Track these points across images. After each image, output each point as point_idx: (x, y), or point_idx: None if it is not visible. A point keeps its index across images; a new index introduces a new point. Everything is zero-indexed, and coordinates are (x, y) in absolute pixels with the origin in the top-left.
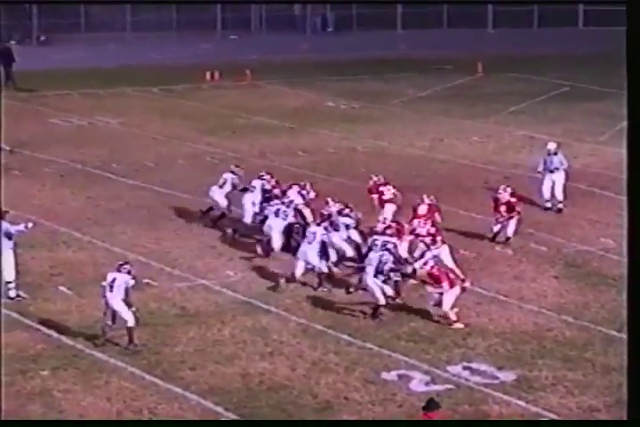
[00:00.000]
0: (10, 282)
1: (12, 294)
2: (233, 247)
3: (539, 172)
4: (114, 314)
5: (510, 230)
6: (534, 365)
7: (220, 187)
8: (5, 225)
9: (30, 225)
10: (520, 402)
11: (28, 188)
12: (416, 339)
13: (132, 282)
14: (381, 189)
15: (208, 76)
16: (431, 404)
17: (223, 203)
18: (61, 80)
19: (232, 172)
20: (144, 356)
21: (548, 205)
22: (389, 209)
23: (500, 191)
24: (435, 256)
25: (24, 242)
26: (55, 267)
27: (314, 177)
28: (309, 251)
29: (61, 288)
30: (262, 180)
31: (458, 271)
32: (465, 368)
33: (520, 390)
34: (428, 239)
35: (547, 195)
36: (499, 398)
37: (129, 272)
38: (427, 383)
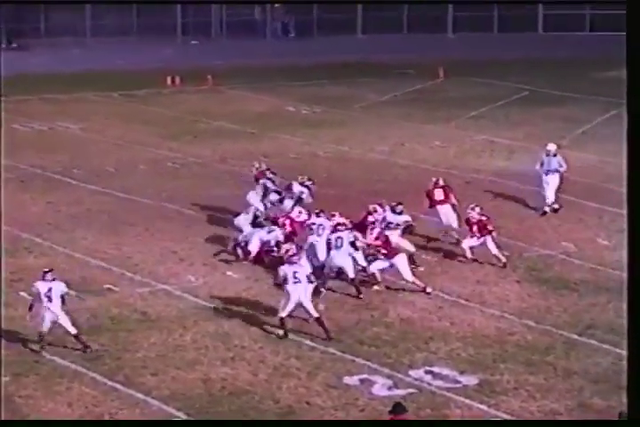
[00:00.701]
0: None
1: None
2: (194, 252)
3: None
4: (53, 323)
5: (493, 249)
6: (496, 369)
7: (258, 193)
8: None
9: None
10: (482, 406)
11: None
12: (378, 344)
13: (66, 289)
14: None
15: (169, 81)
16: (398, 408)
17: (261, 208)
18: (22, 85)
19: (267, 178)
20: (105, 361)
21: (547, 209)
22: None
23: (469, 211)
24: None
25: None
26: (16, 273)
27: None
28: (339, 256)
29: (22, 294)
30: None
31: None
32: (427, 372)
33: (482, 394)
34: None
35: (551, 198)
36: (461, 402)
37: (54, 279)
38: (389, 388)
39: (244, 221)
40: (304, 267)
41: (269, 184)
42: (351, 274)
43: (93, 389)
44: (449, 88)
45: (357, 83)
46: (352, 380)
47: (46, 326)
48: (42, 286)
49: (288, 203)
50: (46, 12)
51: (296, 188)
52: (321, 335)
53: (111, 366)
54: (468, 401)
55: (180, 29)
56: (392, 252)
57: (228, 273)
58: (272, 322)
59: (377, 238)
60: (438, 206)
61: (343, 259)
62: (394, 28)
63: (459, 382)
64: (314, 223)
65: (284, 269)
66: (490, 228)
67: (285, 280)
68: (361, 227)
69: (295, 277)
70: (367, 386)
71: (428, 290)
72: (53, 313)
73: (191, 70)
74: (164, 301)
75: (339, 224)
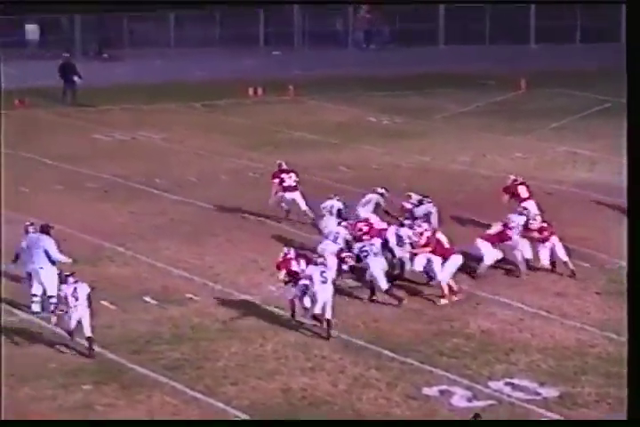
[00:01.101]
0: (36, 295)
1: (36, 307)
2: (275, 262)
3: None
4: (77, 324)
5: (561, 253)
6: (577, 381)
7: (364, 206)
8: (49, 243)
9: (70, 261)
10: (562, 418)
11: (70, 203)
12: (458, 355)
13: (89, 290)
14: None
15: (251, 91)
16: (476, 419)
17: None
18: (104, 95)
19: (379, 193)
20: (186, 371)
21: None
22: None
23: (531, 222)
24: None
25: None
26: (98, 282)
27: (356, 193)
28: (375, 263)
29: (104, 303)
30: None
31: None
32: (507, 384)
33: (562, 406)
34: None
35: None
36: (541, 414)
37: (77, 281)
38: (468, 399)
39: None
40: (331, 267)
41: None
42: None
43: (174, 398)
44: (530, 99)
45: (438, 93)
46: (431, 391)
47: (72, 324)
48: (68, 288)
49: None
50: (130, 23)
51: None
52: (322, 334)
53: (192, 376)
54: (548, 413)
55: (263, 40)
56: (448, 252)
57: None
58: (354, 332)
59: (427, 244)
60: (524, 203)
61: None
62: (476, 39)
63: (539, 393)
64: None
65: (311, 270)
66: (552, 231)
67: (312, 281)
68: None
69: (323, 277)
70: (446, 397)
71: (455, 298)
72: (78, 312)
73: (273, 81)
74: (244, 310)
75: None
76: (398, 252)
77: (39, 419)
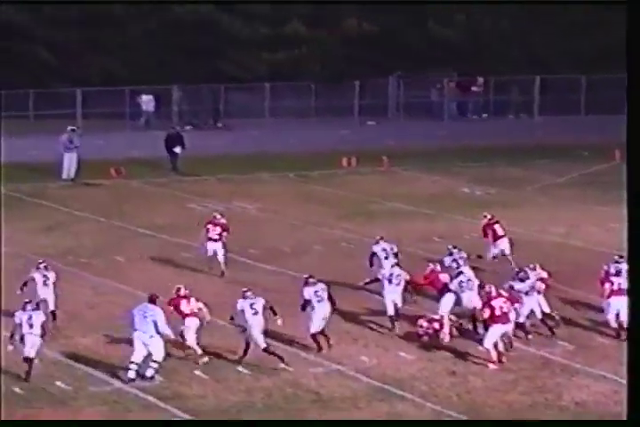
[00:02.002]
0: (134, 362)
1: (132, 374)
2: (367, 333)
3: None
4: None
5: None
6: None
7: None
8: (158, 313)
9: (172, 337)
10: None
11: (165, 272)
12: None
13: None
14: None
15: (345, 161)
16: None
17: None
18: (201, 165)
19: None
20: None
21: None
22: None
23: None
24: None
25: None
26: (191, 352)
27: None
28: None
29: (197, 373)
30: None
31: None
32: None
33: None
34: None
35: None
36: None
37: (35, 309)
38: None
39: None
40: (324, 286)
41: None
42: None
43: None
44: (625, 170)
45: (532, 164)
46: None
47: (27, 351)
48: (21, 315)
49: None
50: (226, 93)
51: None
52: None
53: None
54: None
55: (357, 110)
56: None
57: (401, 354)
58: (447, 403)
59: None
60: (499, 241)
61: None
62: (571, 110)
63: None
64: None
65: (307, 291)
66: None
67: (309, 301)
68: None
69: (318, 296)
70: None
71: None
72: (32, 340)
73: (367, 151)
74: (337, 381)
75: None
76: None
77: (39, 419)
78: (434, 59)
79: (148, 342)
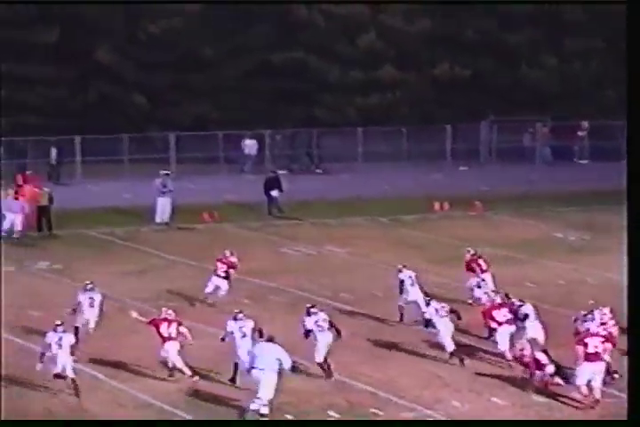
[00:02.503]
0: (260, 398)
1: (265, 410)
2: (460, 378)
3: None
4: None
5: None
6: None
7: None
8: (280, 351)
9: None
10: None
11: (256, 316)
12: None
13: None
14: None
15: (437, 206)
16: None
17: None
18: (292, 209)
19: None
20: None
21: None
22: None
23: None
24: None
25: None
26: (284, 395)
27: (542, 308)
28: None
29: (288, 416)
30: None
31: None
32: None
33: None
34: None
35: None
36: None
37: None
38: None
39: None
40: (325, 316)
41: None
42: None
43: None
44: None
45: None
46: None
47: (58, 368)
48: (52, 336)
49: None
50: (318, 140)
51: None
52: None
53: None
54: None
55: (450, 155)
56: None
57: (494, 399)
58: None
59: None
60: (483, 274)
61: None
62: None
63: None
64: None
65: (308, 321)
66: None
67: (311, 331)
68: None
69: (319, 326)
70: None
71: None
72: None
73: (459, 196)
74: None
75: None
76: None
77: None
78: (526, 102)
79: (265, 377)
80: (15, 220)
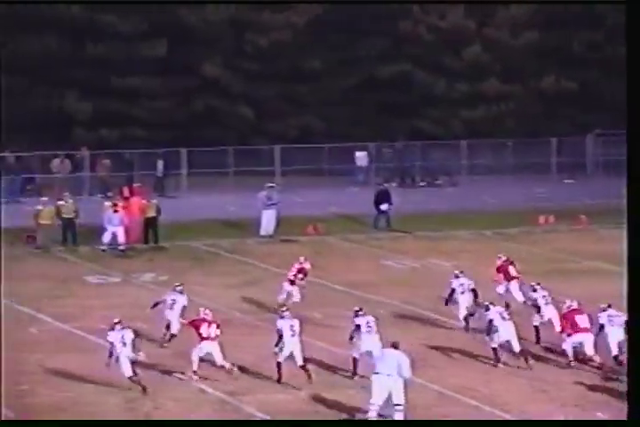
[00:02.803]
0: (373, 404)
1: (372, 415)
2: (566, 393)
3: None
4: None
5: None
6: None
7: None
8: (401, 357)
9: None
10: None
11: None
12: None
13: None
14: None
15: (542, 219)
16: None
17: None
18: (398, 222)
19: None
20: None
21: None
22: None
23: None
24: None
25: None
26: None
27: None
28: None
29: None
30: None
31: None
32: None
33: None
34: None
35: None
36: None
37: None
38: None
39: None
40: (373, 318)
41: None
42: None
43: None
44: None
45: None
46: None
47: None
48: (114, 335)
49: None
50: (423, 153)
51: None
52: None
53: None
54: None
55: (555, 168)
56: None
57: (598, 414)
58: None
59: None
60: (512, 281)
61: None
62: None
63: None
64: None
65: (358, 320)
66: None
67: (359, 326)
68: None
69: (368, 327)
70: None
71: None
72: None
73: (564, 209)
74: None
75: None
76: None
77: (39, 419)
78: None
79: (390, 385)
80: (117, 232)
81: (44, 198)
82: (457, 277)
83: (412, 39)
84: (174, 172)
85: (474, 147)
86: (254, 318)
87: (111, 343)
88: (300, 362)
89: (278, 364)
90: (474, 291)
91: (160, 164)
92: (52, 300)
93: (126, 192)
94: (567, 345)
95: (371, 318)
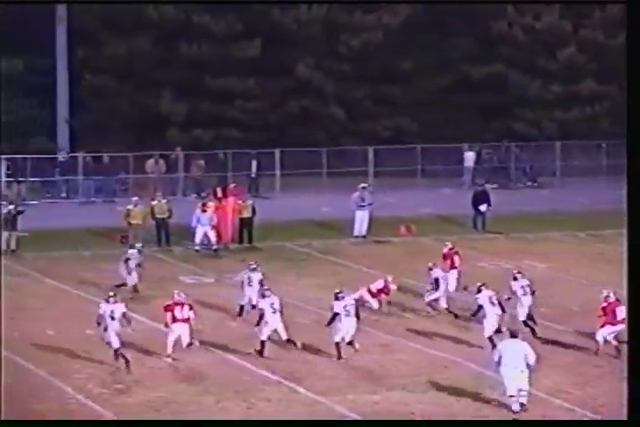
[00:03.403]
0: (513, 396)
1: (516, 407)
2: None
3: None
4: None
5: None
6: None
7: None
8: (525, 347)
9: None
10: None
11: (451, 330)
12: None
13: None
14: None
15: None
16: None
17: None
18: (491, 224)
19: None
20: None
21: None
22: None
23: None
24: None
25: None
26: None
27: None
28: None
29: None
30: None
31: None
32: None
33: None
34: None
35: None
36: None
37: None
38: None
39: None
40: (353, 301)
41: None
42: None
43: None
44: None
45: None
46: None
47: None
48: (105, 307)
49: None
50: (520, 153)
51: None
52: None
53: None
54: None
55: None
56: None
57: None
58: None
59: None
60: (452, 270)
61: None
62: None
63: None
64: None
65: (337, 305)
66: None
67: (338, 314)
68: None
69: (346, 311)
70: None
71: None
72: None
73: None
74: None
75: None
76: None
77: (39, 419)
78: None
79: (517, 376)
80: (207, 232)
81: (135, 198)
82: (515, 279)
83: (508, 40)
84: (268, 172)
85: (567, 148)
86: None
87: (101, 315)
88: (284, 337)
89: (262, 342)
90: (533, 292)
91: (254, 164)
92: (146, 300)
93: (219, 193)
94: (602, 335)
95: (349, 302)
